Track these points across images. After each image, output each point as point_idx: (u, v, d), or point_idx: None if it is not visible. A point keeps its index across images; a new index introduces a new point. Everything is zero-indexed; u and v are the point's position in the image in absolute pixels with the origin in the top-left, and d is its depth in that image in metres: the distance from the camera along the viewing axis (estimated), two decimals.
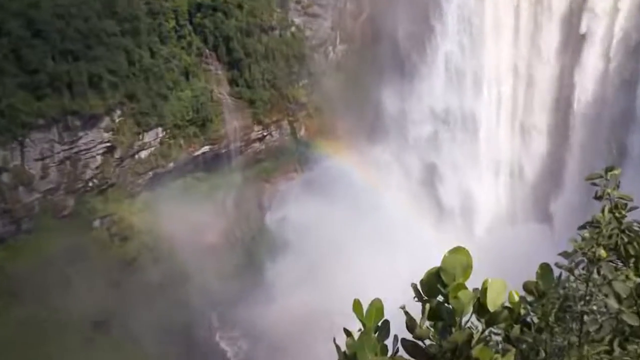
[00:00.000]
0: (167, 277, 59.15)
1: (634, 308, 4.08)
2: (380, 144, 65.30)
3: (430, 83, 62.12)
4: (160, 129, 60.73)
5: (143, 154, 60.51)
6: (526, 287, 4.26)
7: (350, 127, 65.45)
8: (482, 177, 62.67)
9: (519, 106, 60.59)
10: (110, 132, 57.62)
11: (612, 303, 4.03)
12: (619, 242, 4.45)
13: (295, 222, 61.06)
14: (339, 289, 48.64)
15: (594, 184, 4.66)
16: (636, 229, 4.52)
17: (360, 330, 3.88)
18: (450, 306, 3.79)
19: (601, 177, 4.62)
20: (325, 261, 57.26)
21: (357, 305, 3.87)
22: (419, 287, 3.89)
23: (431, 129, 63.15)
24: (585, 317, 4.08)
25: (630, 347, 4.07)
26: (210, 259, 60.95)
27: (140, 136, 60.15)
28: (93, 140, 56.87)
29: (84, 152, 56.82)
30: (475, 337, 3.80)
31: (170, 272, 59.26)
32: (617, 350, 4.05)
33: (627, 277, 4.22)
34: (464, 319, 3.81)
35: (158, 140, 61.00)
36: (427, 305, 3.85)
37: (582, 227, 4.47)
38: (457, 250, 3.84)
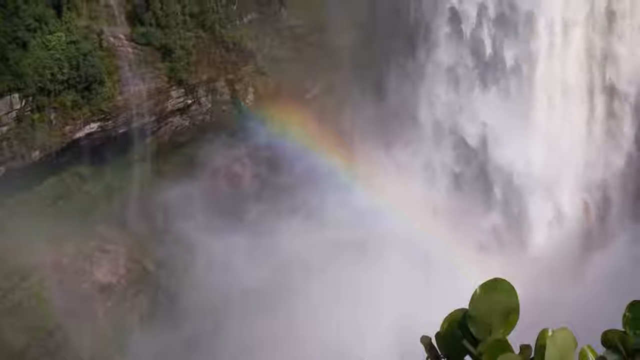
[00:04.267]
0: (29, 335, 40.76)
1: None
2: (399, 130, 44.90)
3: None
4: (16, 95, 43.57)
5: None
6: (607, 339, 3.11)
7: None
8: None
9: None
10: None
11: None
12: None
13: (235, 264, 41.00)
14: None
15: None
16: None
17: None
18: None
19: None
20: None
21: None
22: (434, 342, 2.98)
23: None
24: None
25: None
26: (99, 306, 41.66)
27: None
28: None
29: None
30: None
31: (33, 328, 40.65)
32: None
33: None
34: None
35: (13, 114, 43.67)
36: None
37: None
38: (495, 285, 2.88)
